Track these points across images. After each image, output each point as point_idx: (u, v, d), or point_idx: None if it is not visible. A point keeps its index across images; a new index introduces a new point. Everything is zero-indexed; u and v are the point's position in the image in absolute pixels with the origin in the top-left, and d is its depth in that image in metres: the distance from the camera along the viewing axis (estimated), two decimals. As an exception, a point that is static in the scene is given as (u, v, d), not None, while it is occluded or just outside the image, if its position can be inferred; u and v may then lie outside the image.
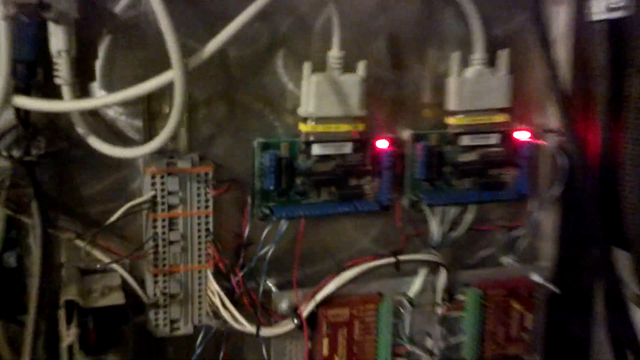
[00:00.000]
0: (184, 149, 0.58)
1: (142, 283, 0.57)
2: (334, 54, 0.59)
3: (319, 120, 0.59)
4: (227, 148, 0.59)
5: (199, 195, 0.58)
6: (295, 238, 0.60)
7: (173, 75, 0.47)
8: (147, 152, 0.51)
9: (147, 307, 0.58)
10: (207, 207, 0.58)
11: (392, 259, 0.62)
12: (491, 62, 0.64)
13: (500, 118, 0.64)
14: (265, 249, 0.60)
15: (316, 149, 0.60)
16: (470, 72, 0.63)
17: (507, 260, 0.71)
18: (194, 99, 0.57)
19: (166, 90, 0.53)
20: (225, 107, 0.59)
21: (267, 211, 0.60)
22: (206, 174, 0.58)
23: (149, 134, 0.58)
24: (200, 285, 0.59)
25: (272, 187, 0.59)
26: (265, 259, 0.61)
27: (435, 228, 0.65)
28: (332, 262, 0.64)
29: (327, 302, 0.61)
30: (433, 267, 0.65)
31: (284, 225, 0.60)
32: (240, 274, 0.59)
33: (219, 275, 0.59)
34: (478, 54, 0.63)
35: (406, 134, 0.63)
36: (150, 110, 0.57)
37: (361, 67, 0.60)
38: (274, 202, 0.60)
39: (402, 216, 0.64)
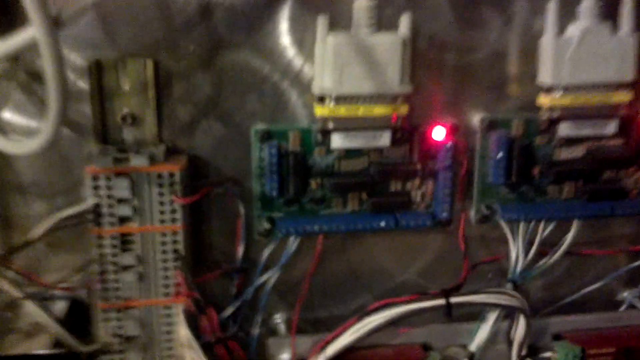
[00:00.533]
0: (153, 140, 0.44)
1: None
2: (362, 2, 0.43)
3: (341, 99, 0.44)
4: (214, 138, 0.46)
5: (162, 204, 0.43)
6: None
7: (34, 32, 0.30)
8: (26, 151, 0.35)
9: (99, 352, 0.44)
10: (174, 220, 0.43)
11: (440, 301, 0.45)
12: (608, 14, 0.46)
13: (620, 97, 0.47)
14: (265, 276, 0.48)
15: (337, 141, 0.45)
16: (575, 29, 0.46)
17: (625, 296, 0.54)
18: (166, 69, 0.44)
19: (127, 57, 0.42)
20: (211, 81, 0.45)
21: (268, 225, 0.47)
22: (171, 175, 0.42)
23: (101, 119, 0.44)
24: (169, 327, 0.45)
25: (275, 192, 0.45)
26: (265, 290, 0.48)
27: (517, 253, 0.50)
28: (370, 296, 0.51)
29: (346, 356, 0.45)
30: (510, 311, 0.48)
31: (293, 243, 0.47)
32: (216, 317, 0.44)
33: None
34: (588, 2, 0.46)
35: (476, 120, 0.48)
36: (102, 85, 0.43)
37: (405, 22, 0.44)
38: (280, 213, 0.47)
39: (467, 235, 0.50)
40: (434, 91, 0.47)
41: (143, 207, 0.43)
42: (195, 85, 0.44)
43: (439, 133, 0.47)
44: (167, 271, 0.44)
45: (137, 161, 0.42)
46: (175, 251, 0.43)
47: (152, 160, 0.42)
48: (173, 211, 0.43)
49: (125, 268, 0.43)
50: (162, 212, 0.43)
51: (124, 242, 0.43)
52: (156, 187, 0.42)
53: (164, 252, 0.44)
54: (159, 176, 0.42)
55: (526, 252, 0.49)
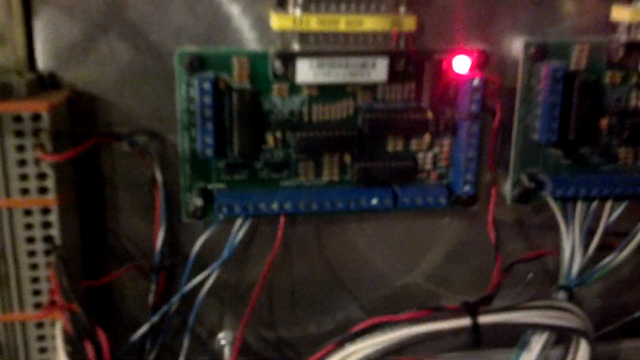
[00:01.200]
0: (20, 66, 0.33)
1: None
2: None
3: (312, 4, 0.33)
4: (118, 66, 0.34)
5: (23, 163, 0.30)
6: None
7: None
8: None
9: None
10: (43, 190, 0.30)
11: (463, 320, 0.33)
12: None
13: None
14: (199, 277, 0.36)
15: (306, 72, 0.34)
16: None
17: None
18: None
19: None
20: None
21: (201, 201, 0.35)
22: (35, 118, 0.29)
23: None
24: (43, 354, 0.33)
25: (211, 152, 0.34)
26: (199, 297, 0.36)
27: (572, 246, 0.38)
28: (355, 307, 0.41)
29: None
30: (565, 334, 0.37)
31: (240, 229, 0.36)
32: (107, 342, 0.30)
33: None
34: None
35: (517, 46, 0.38)
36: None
37: None
38: (219, 183, 0.36)
39: (499, 220, 0.39)
40: (456, 1, 0.36)
41: (-9, 168, 0.30)
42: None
43: (461, 64, 0.37)
44: (35, 270, 0.31)
45: (-21, 95, 0.28)
46: (48, 239, 0.31)
47: (5, 94, 0.29)
48: (42, 176, 0.30)
49: (-31, 264, 0.31)
50: (23, 178, 0.30)
51: (-36, 224, 0.30)
52: (12, 137, 0.29)
53: (30, 240, 0.31)
54: (17, 119, 0.29)
55: (585, 245, 0.38)
